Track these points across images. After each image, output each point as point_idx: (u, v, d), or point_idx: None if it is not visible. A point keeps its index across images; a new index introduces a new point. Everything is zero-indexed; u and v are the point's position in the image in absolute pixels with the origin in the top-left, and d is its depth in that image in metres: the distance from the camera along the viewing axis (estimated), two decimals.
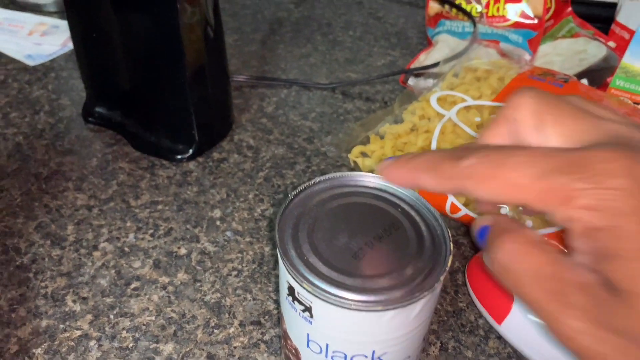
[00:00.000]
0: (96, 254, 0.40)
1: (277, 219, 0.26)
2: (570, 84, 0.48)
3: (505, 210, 0.40)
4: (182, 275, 0.39)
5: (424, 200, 0.27)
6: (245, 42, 0.68)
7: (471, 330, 0.36)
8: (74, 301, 0.37)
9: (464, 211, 0.42)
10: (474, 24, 0.62)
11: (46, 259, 0.40)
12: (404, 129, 0.47)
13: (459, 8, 0.65)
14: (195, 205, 0.45)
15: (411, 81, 0.59)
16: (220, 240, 0.42)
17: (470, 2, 0.65)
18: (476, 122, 0.46)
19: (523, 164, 0.18)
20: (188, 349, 0.34)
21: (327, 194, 0.27)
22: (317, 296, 0.23)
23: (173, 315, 0.36)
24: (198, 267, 0.40)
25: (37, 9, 0.72)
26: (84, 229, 0.42)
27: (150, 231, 0.42)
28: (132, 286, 0.38)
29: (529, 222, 0.39)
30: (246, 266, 0.40)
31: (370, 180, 0.28)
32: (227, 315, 0.37)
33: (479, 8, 0.65)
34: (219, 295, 0.38)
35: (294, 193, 0.27)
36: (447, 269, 0.24)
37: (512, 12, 0.63)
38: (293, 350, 0.28)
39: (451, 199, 0.42)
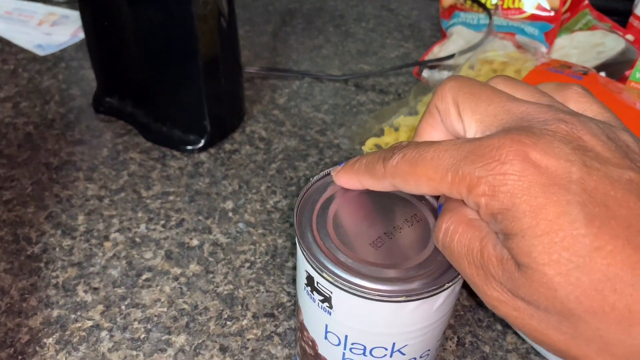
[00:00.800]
0: (107, 244, 0.40)
1: (296, 205, 0.25)
2: (589, 77, 0.47)
3: None
4: (194, 267, 0.38)
5: None
6: (257, 33, 0.68)
7: (488, 325, 0.36)
8: (85, 291, 0.37)
9: None
10: (490, 16, 0.61)
11: (57, 249, 0.39)
12: (418, 121, 0.46)
13: (473, 0, 0.64)
14: (207, 196, 0.44)
15: (425, 73, 0.58)
16: (233, 231, 0.41)
17: None
18: None
19: (433, 160, 0.20)
20: (200, 341, 0.34)
21: None
22: (337, 286, 0.22)
23: (185, 306, 0.36)
24: (210, 259, 0.39)
25: None
26: (95, 219, 0.42)
27: (162, 222, 0.42)
28: (144, 277, 0.38)
29: None
30: (259, 258, 0.39)
31: None
32: (240, 307, 0.36)
33: (494, 0, 0.64)
34: (231, 287, 0.37)
35: (315, 179, 0.26)
36: None
37: (529, 4, 0.62)
38: (310, 342, 0.27)
39: None
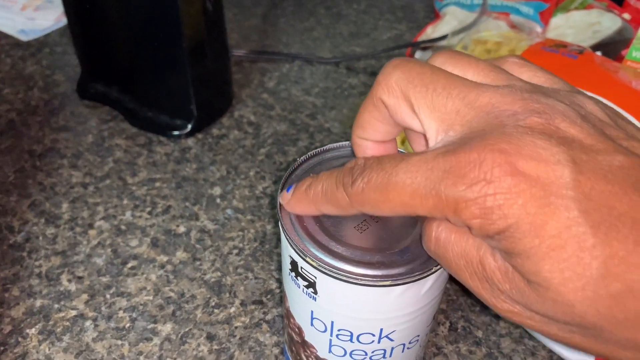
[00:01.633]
0: (92, 232, 0.39)
1: (280, 187, 0.24)
2: (585, 55, 0.46)
3: None
4: (181, 254, 0.38)
5: None
6: (246, 15, 0.66)
7: (482, 310, 0.35)
8: (69, 280, 0.36)
9: None
10: None
11: (40, 238, 0.38)
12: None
13: None
14: (194, 182, 0.43)
15: (418, 55, 0.57)
16: (221, 218, 0.40)
17: None
18: None
19: (406, 184, 0.18)
20: (187, 329, 0.33)
21: (336, 162, 0.26)
22: (321, 271, 0.21)
23: (172, 294, 0.35)
24: (197, 246, 0.38)
25: None
26: (79, 207, 0.41)
27: (148, 209, 0.41)
28: (129, 265, 0.37)
29: None
30: (247, 244, 0.38)
31: None
32: (227, 295, 0.35)
33: None
34: (219, 274, 0.36)
35: (300, 160, 0.25)
36: None
37: None
38: (296, 329, 0.26)
39: None
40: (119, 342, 0.32)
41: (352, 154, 0.26)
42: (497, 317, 0.34)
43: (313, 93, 0.53)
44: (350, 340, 0.24)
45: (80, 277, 0.36)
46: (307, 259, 0.22)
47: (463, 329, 0.34)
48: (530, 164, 0.16)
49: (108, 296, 0.35)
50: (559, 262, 0.15)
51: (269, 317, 0.34)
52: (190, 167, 0.44)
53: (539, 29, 0.59)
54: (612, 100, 0.41)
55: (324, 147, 0.26)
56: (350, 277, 0.21)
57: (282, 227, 0.23)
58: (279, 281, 0.36)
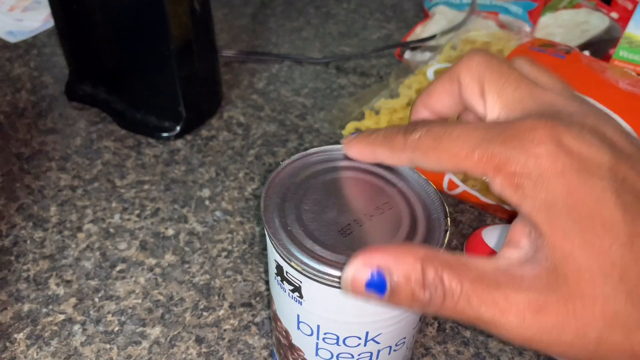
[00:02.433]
0: (80, 235, 0.39)
1: (263, 190, 0.24)
2: (572, 55, 0.46)
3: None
4: (169, 257, 0.38)
5: (422, 180, 0.25)
6: (235, 15, 0.66)
7: None
8: (57, 284, 0.36)
9: (461, 188, 0.40)
10: None
11: (28, 242, 0.38)
12: (399, 104, 0.45)
13: None
14: (183, 184, 0.43)
15: (407, 55, 0.57)
16: (210, 220, 0.40)
17: None
18: None
19: (461, 136, 0.19)
20: (176, 332, 0.33)
21: (320, 166, 0.26)
22: (306, 275, 0.21)
23: (160, 297, 0.35)
24: (186, 248, 0.38)
25: None
26: (68, 210, 0.41)
27: (137, 212, 0.41)
28: (118, 268, 0.37)
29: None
30: (236, 247, 0.38)
31: None
32: (216, 297, 0.35)
33: None
34: (208, 276, 0.36)
35: (285, 163, 0.25)
36: (443, 247, 0.22)
37: None
38: (284, 333, 0.26)
39: (449, 175, 0.41)
40: (108, 346, 0.32)
41: (338, 157, 0.26)
42: None
43: (302, 93, 0.53)
44: (337, 343, 0.24)
45: (68, 281, 0.36)
46: (292, 264, 0.22)
47: (451, 329, 0.34)
48: (575, 142, 0.17)
49: (97, 300, 0.35)
50: (587, 229, 0.17)
51: (257, 319, 0.34)
52: (179, 169, 0.44)
53: (527, 28, 0.59)
54: (598, 100, 0.41)
55: (308, 151, 0.26)
56: (335, 281, 0.21)
57: (268, 232, 0.23)
58: (268, 283, 0.36)
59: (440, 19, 0.60)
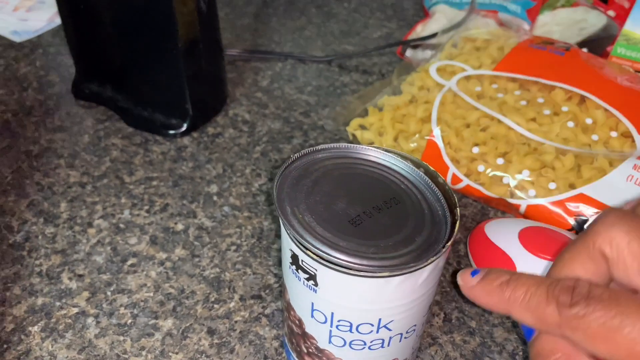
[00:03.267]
0: (91, 231, 0.39)
1: (275, 181, 0.25)
2: (571, 52, 0.47)
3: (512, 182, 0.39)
4: (179, 251, 0.38)
5: (428, 180, 0.26)
6: (238, 15, 0.67)
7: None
8: (70, 278, 0.36)
9: (465, 182, 0.41)
10: None
11: (40, 237, 0.39)
12: (402, 101, 0.46)
13: None
14: (191, 180, 0.44)
15: (409, 53, 0.58)
16: (218, 215, 0.41)
17: None
18: (476, 91, 0.45)
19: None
20: (188, 324, 0.34)
21: (329, 162, 0.27)
22: (321, 263, 0.22)
23: (172, 290, 0.36)
24: (196, 243, 0.39)
25: None
26: (78, 206, 0.41)
27: (146, 207, 0.41)
28: (129, 263, 0.37)
29: (532, 191, 0.39)
30: (245, 241, 0.39)
31: (374, 154, 0.27)
32: (227, 290, 0.36)
33: None
34: (218, 270, 0.37)
35: (295, 155, 0.26)
36: (455, 235, 0.23)
37: None
38: (297, 322, 0.27)
39: (452, 169, 0.41)
40: (121, 337, 0.33)
41: (345, 155, 0.27)
42: None
43: (306, 91, 0.54)
44: (350, 330, 0.25)
45: (80, 275, 0.36)
46: (308, 252, 0.22)
47: (457, 320, 0.35)
48: None
49: (109, 293, 0.35)
50: None
51: (268, 311, 0.35)
52: (187, 166, 0.45)
53: (526, 26, 0.60)
54: (598, 96, 0.42)
55: (317, 147, 0.27)
56: (350, 269, 0.22)
57: (283, 221, 0.23)
58: (277, 276, 0.37)
59: (440, 18, 0.61)
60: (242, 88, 0.54)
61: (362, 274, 0.22)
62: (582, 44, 0.56)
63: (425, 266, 0.22)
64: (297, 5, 0.70)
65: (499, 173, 0.40)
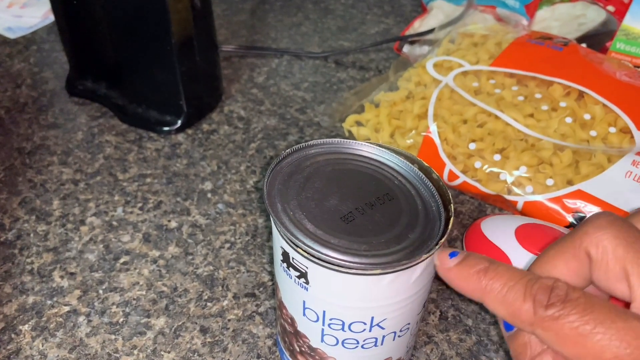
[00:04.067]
0: (83, 228, 0.39)
1: (265, 177, 0.24)
2: (570, 47, 0.47)
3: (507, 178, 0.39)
4: (173, 249, 0.38)
5: (422, 176, 0.26)
6: (234, 11, 0.66)
7: (471, 299, 0.35)
8: (62, 277, 0.36)
9: (462, 178, 0.41)
10: None
11: (31, 235, 0.38)
12: (399, 97, 0.46)
13: None
14: (185, 177, 0.43)
15: (406, 48, 0.58)
16: (212, 212, 0.41)
17: None
18: (474, 87, 0.44)
19: (611, 347, 0.17)
20: (180, 323, 0.33)
21: (321, 157, 0.26)
22: (312, 261, 0.22)
23: (164, 289, 0.35)
24: (189, 240, 0.38)
25: None
26: (70, 204, 0.41)
27: (139, 205, 0.41)
28: (122, 260, 0.37)
29: (529, 188, 0.38)
30: (239, 238, 0.39)
31: (368, 149, 0.27)
32: (220, 288, 0.35)
33: None
34: (211, 268, 0.37)
35: (287, 151, 0.26)
36: (448, 231, 0.23)
37: None
38: (289, 320, 0.27)
39: (449, 166, 0.41)
40: (113, 336, 0.33)
41: (338, 150, 0.27)
42: None
43: (302, 87, 0.54)
44: (342, 329, 0.24)
45: (72, 273, 0.36)
46: (299, 250, 0.22)
47: (453, 318, 0.34)
48: None
49: (101, 292, 0.35)
50: None
51: (261, 309, 0.34)
52: (181, 163, 0.45)
53: (525, 21, 0.59)
54: (596, 91, 0.42)
55: (309, 143, 0.26)
56: (341, 266, 0.21)
57: (273, 219, 0.23)
58: (271, 274, 0.36)
59: (438, 13, 0.61)
60: (237, 84, 0.54)
61: (353, 271, 0.21)
62: (581, 39, 0.56)
63: (417, 263, 0.22)
64: (293, 1, 0.69)
65: (496, 169, 0.39)
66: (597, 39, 0.57)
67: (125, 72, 0.47)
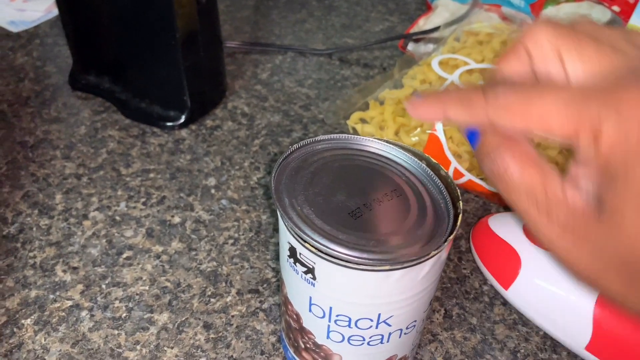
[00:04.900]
0: (86, 223, 0.39)
1: (273, 173, 0.24)
2: None
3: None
4: (176, 244, 0.38)
5: (431, 172, 0.25)
6: (238, 7, 0.66)
7: (476, 297, 0.35)
8: (64, 271, 0.36)
9: (467, 177, 0.40)
10: None
11: (34, 229, 0.38)
12: (404, 94, 0.46)
13: None
14: (188, 173, 0.43)
15: (410, 46, 0.57)
16: (216, 208, 0.40)
17: None
18: (480, 85, 0.44)
19: (552, 95, 0.18)
20: (184, 318, 0.33)
21: (329, 153, 0.26)
22: (320, 256, 0.22)
23: (167, 284, 0.35)
24: (193, 236, 0.38)
25: None
26: (73, 198, 0.41)
27: (143, 200, 0.41)
28: (125, 255, 0.37)
29: None
30: (243, 234, 0.39)
31: (375, 145, 0.27)
32: (224, 284, 0.35)
33: None
34: (215, 263, 0.37)
35: (294, 147, 0.25)
36: (457, 228, 0.22)
37: None
38: (294, 316, 0.26)
39: (454, 164, 0.41)
40: (116, 331, 0.32)
41: (345, 146, 0.26)
42: (491, 304, 0.35)
43: (306, 84, 0.53)
44: (349, 325, 0.24)
45: (75, 268, 0.36)
46: (306, 245, 0.22)
47: (458, 316, 0.34)
48: None
49: (104, 286, 0.35)
50: None
51: (265, 305, 0.34)
52: (184, 158, 0.44)
53: (530, 21, 0.59)
54: None
55: (316, 138, 0.26)
56: (350, 262, 0.21)
57: (281, 214, 0.23)
58: (275, 270, 0.36)
59: (442, 12, 0.60)
60: (241, 81, 0.53)
61: (362, 267, 0.21)
62: None
63: (426, 260, 0.22)
64: None
65: None
66: None
67: (128, 67, 0.47)
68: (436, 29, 0.55)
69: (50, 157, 0.44)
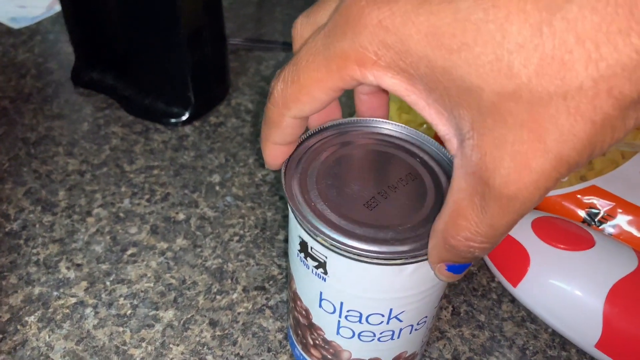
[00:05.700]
0: (90, 219, 0.38)
1: (282, 167, 0.24)
2: None
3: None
4: (181, 241, 0.37)
5: (445, 150, 0.25)
6: (241, 4, 0.65)
7: (484, 294, 0.35)
8: (68, 268, 0.35)
9: None
10: None
11: (37, 226, 0.38)
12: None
13: None
14: (192, 170, 0.43)
15: None
16: (220, 205, 0.40)
17: None
18: None
19: (309, 60, 0.18)
20: (189, 316, 0.33)
21: (337, 140, 0.25)
22: (332, 250, 0.21)
23: (173, 281, 0.35)
24: (198, 233, 0.38)
25: None
26: (77, 195, 0.40)
27: (147, 196, 0.40)
28: (129, 252, 0.36)
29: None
30: (248, 231, 0.38)
31: (386, 127, 0.26)
32: (229, 281, 0.35)
33: None
34: (220, 260, 0.36)
35: (303, 136, 0.25)
36: None
37: None
38: (303, 312, 0.26)
39: None
40: (121, 329, 0.32)
41: (353, 130, 0.26)
42: (499, 302, 0.35)
43: None
44: (359, 321, 0.24)
45: (79, 265, 0.35)
46: (318, 239, 0.21)
47: (466, 313, 0.34)
48: None
49: (108, 283, 0.34)
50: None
51: (271, 302, 0.34)
52: (189, 155, 0.44)
53: None
54: None
55: (325, 125, 0.25)
56: (362, 256, 0.21)
57: (291, 207, 0.22)
58: (281, 267, 0.36)
59: None
60: (244, 77, 0.53)
61: (375, 261, 0.21)
62: None
63: None
64: None
65: None
66: None
67: (132, 63, 0.47)
68: None
69: (52, 154, 0.43)
